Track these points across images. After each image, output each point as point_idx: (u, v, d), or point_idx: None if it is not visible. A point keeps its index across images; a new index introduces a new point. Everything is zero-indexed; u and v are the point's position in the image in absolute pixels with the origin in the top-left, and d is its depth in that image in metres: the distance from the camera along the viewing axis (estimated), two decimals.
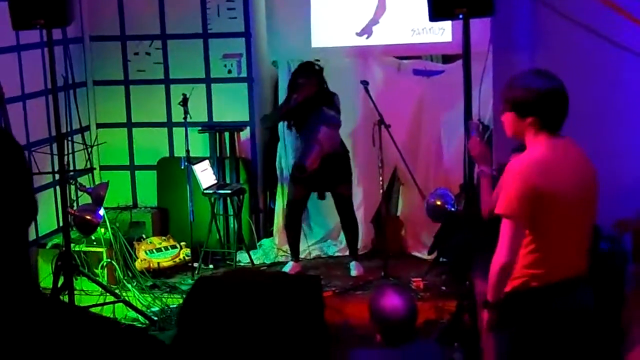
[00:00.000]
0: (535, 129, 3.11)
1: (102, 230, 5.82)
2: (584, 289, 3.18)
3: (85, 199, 5.65)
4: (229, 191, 6.24)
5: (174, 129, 6.66)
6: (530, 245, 3.10)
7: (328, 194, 6.08)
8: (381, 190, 6.01)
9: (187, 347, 1.52)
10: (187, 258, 6.22)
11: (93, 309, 5.48)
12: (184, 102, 6.01)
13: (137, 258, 6.10)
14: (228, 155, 6.54)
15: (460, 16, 4.77)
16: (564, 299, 3.13)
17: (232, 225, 6.41)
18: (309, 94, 5.77)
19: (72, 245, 5.55)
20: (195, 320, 1.53)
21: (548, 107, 3.10)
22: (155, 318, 5.42)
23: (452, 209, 5.22)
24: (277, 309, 1.53)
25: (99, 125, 6.76)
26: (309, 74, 5.84)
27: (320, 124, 5.71)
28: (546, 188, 3.04)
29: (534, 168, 3.07)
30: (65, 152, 5.44)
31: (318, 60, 6.54)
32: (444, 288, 5.53)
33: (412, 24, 6.28)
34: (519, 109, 3.13)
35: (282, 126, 6.47)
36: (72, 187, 5.70)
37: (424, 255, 6.23)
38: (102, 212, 5.42)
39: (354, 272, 6.01)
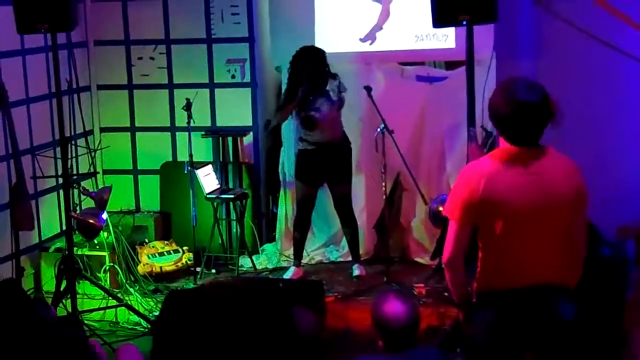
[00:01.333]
0: (499, 136, 3.16)
1: (105, 234, 5.83)
2: (555, 299, 3.15)
3: (89, 203, 5.66)
4: (232, 196, 6.25)
5: (177, 133, 6.67)
6: (484, 251, 3.17)
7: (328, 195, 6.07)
8: (384, 196, 6.01)
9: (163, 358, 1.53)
10: (189, 262, 6.23)
11: (95, 313, 5.50)
12: (188, 106, 6.02)
13: (140, 262, 6.11)
14: (231, 160, 6.55)
15: (464, 22, 4.78)
16: (525, 305, 3.13)
17: (234, 230, 6.41)
18: (313, 82, 5.74)
19: (75, 249, 5.56)
20: (168, 334, 1.53)
21: (508, 123, 3.08)
22: None
23: None
24: (248, 321, 1.53)
25: (102, 130, 6.78)
26: (308, 61, 5.80)
27: (322, 104, 5.77)
28: (491, 196, 3.06)
29: (482, 175, 3.08)
30: (69, 156, 5.45)
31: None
32: (446, 294, 5.52)
33: (415, 30, 6.29)
34: (491, 118, 3.20)
35: (285, 129, 6.48)
36: (76, 191, 5.72)
37: (426, 261, 6.23)
38: (105, 216, 5.43)
39: (356, 272, 6.01)
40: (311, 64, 5.78)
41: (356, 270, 6.04)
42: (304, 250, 6.25)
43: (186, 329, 1.52)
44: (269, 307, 1.56)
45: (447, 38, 6.25)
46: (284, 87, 6.58)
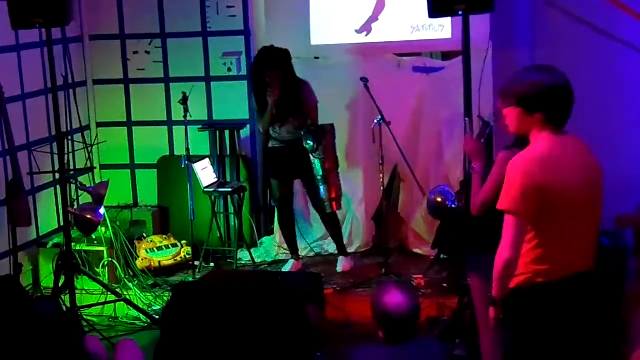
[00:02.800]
0: (540, 124, 3.12)
1: (103, 229, 5.82)
2: (590, 286, 3.18)
3: (86, 198, 5.65)
4: (230, 189, 6.24)
5: (174, 127, 6.66)
6: (534, 241, 3.10)
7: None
8: (382, 188, 6.01)
9: (170, 352, 1.52)
10: (188, 257, 6.23)
11: (94, 308, 5.50)
12: (184, 100, 6.01)
13: (138, 257, 6.10)
14: (228, 153, 6.54)
15: (460, 12, 4.77)
16: (570, 295, 3.13)
17: (232, 224, 6.41)
18: (279, 88, 5.60)
19: (73, 244, 5.55)
20: (177, 326, 1.52)
21: (555, 103, 3.11)
22: (157, 317, 5.42)
23: (453, 206, 5.22)
24: (257, 312, 1.52)
25: (99, 124, 6.76)
26: (270, 65, 5.64)
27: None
28: (549, 184, 3.04)
29: (537, 164, 3.07)
30: (66, 152, 5.44)
31: (317, 58, 6.55)
32: (445, 285, 5.53)
33: (411, 20, 6.27)
34: (527, 105, 3.13)
35: None
36: (73, 186, 5.70)
37: (425, 252, 6.23)
38: (102, 211, 5.42)
39: (339, 268, 5.98)
40: (273, 74, 5.60)
41: (340, 265, 6.01)
42: (305, 242, 6.25)
43: (196, 320, 1.51)
44: (284, 301, 1.55)
45: (443, 28, 6.23)
46: None
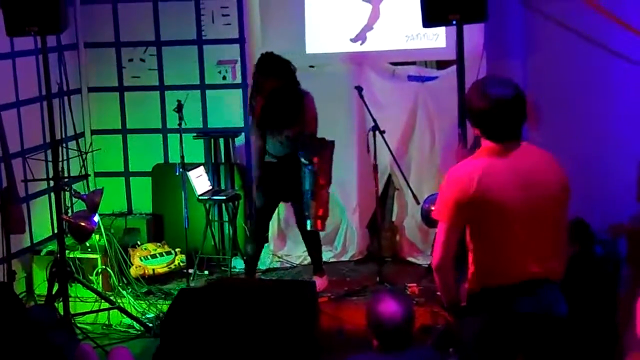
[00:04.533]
0: (482, 137, 3.18)
1: (97, 236, 5.82)
2: (546, 294, 3.17)
3: (80, 205, 5.65)
4: (224, 197, 6.24)
5: (168, 135, 6.66)
6: (476, 251, 3.18)
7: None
8: (376, 196, 6.02)
9: (170, 357, 1.53)
10: (182, 264, 6.22)
11: (88, 316, 5.49)
12: (179, 108, 6.01)
13: (132, 264, 6.10)
14: (223, 161, 6.54)
15: (454, 22, 4.80)
16: (517, 300, 3.14)
17: (227, 232, 6.41)
18: (265, 97, 5.45)
19: (67, 251, 5.55)
20: (177, 331, 1.53)
21: (489, 121, 3.11)
22: (151, 325, 5.42)
23: None
24: (259, 318, 1.53)
25: (93, 132, 6.76)
26: (266, 72, 5.49)
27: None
28: (481, 195, 3.08)
29: (473, 176, 3.11)
30: (60, 159, 5.44)
31: (312, 66, 6.57)
32: (439, 293, 5.53)
33: (406, 30, 6.30)
34: (469, 118, 3.22)
35: None
36: (67, 193, 5.70)
37: (419, 260, 6.24)
38: (96, 218, 5.43)
39: None
40: (279, 91, 5.43)
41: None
42: (300, 250, 6.23)
43: (196, 327, 1.52)
44: (281, 305, 1.56)
45: (437, 37, 6.26)
46: None
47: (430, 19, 4.88)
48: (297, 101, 5.50)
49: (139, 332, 5.39)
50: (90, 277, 5.87)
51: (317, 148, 5.49)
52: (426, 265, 6.01)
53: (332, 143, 5.59)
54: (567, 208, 3.24)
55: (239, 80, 6.55)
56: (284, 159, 5.60)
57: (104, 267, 5.90)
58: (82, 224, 5.32)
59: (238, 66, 6.53)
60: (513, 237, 3.13)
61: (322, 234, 6.57)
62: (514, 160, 3.14)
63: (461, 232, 3.17)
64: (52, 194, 5.56)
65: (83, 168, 6.21)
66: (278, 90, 5.49)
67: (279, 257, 6.39)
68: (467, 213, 3.12)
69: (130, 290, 5.90)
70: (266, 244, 6.57)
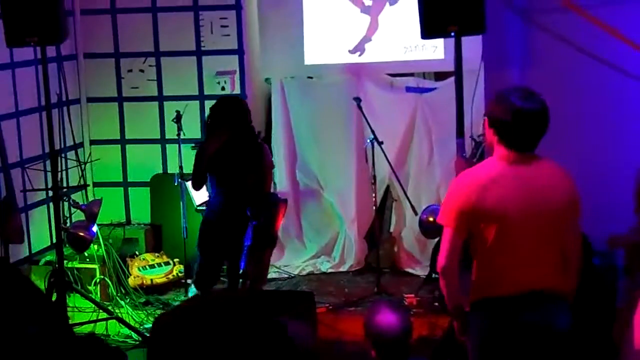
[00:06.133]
0: (497, 143, 3.18)
1: (95, 246, 5.82)
2: (550, 307, 3.19)
3: (79, 215, 5.65)
4: None
5: (167, 145, 6.67)
6: (480, 260, 3.20)
7: None
8: (374, 207, 6.03)
9: None
10: (180, 275, 6.22)
11: (86, 326, 5.48)
12: (178, 118, 6.02)
13: (130, 275, 6.10)
14: None
15: (452, 34, 4.81)
16: (519, 312, 3.15)
17: None
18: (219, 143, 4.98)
19: (65, 261, 5.54)
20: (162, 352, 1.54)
21: (512, 128, 3.12)
22: (148, 335, 5.41)
23: None
24: (254, 331, 1.54)
25: (92, 142, 6.77)
26: (221, 120, 5.02)
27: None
28: (485, 204, 3.10)
29: (477, 183, 3.13)
30: (59, 169, 5.44)
31: (311, 77, 6.59)
32: (436, 304, 5.54)
33: (404, 41, 6.32)
34: (490, 121, 3.21)
35: (274, 143, 6.49)
36: (66, 204, 5.70)
37: (416, 271, 6.24)
38: (95, 228, 5.42)
39: None
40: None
41: None
42: (298, 260, 6.22)
43: (185, 344, 1.53)
44: (261, 321, 1.57)
45: (436, 49, 6.29)
46: (273, 100, 6.61)
47: (428, 31, 4.90)
48: (255, 151, 5.05)
49: (137, 342, 5.37)
50: (89, 287, 5.87)
51: (267, 205, 5.00)
52: (424, 276, 6.01)
53: (284, 202, 5.17)
54: (576, 225, 3.26)
55: (237, 91, 6.56)
56: (224, 215, 5.05)
57: (102, 277, 5.90)
58: (81, 234, 5.32)
59: (237, 77, 6.55)
60: (512, 248, 3.14)
61: (320, 244, 6.60)
62: (524, 171, 3.15)
63: (466, 236, 3.18)
64: (51, 204, 5.56)
65: (82, 178, 6.21)
66: (234, 138, 5.01)
67: (277, 268, 6.39)
68: (469, 221, 3.14)
69: (128, 300, 5.89)
70: None
